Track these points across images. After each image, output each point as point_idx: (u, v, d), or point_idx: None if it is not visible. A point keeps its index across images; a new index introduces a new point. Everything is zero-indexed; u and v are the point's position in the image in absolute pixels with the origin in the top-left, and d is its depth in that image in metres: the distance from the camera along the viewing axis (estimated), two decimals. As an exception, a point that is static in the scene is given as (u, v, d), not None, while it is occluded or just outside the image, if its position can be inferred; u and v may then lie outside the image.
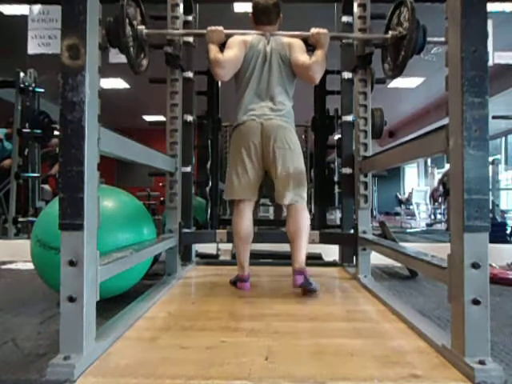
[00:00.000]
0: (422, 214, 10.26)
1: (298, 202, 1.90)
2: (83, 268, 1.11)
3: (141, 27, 2.02)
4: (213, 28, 1.98)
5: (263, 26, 2.02)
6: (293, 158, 1.90)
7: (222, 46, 2.00)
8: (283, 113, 1.93)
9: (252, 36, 1.99)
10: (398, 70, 2.02)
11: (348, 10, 2.52)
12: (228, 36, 2.01)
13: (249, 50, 1.95)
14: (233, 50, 1.93)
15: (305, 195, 1.94)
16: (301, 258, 1.86)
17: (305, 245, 1.89)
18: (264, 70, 1.95)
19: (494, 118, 4.64)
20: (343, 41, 2.56)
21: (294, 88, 2.03)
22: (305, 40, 2.04)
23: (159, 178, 3.36)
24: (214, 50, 1.92)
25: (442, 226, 7.71)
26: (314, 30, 1.96)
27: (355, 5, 2.39)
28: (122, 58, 3.28)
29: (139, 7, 2.05)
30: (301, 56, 1.93)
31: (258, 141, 1.89)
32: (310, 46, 2.03)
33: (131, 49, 1.93)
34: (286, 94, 1.97)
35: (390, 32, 2.05)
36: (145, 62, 2.12)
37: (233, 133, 2.02)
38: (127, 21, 1.87)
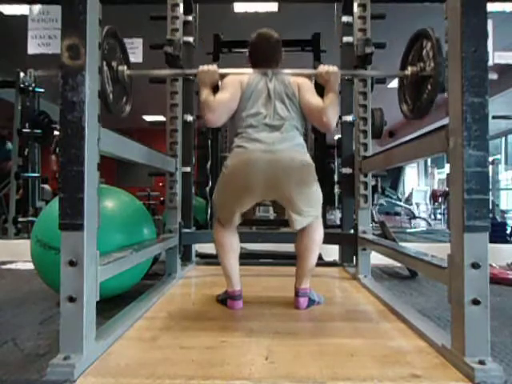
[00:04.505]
0: (422, 214, 10.25)
1: (316, 219, 1.69)
2: (83, 268, 1.11)
3: (122, 68, 1.73)
4: (205, 68, 1.72)
5: (263, 68, 1.76)
6: (311, 193, 1.64)
7: (217, 88, 1.75)
8: (296, 143, 1.64)
9: (249, 75, 1.73)
10: (419, 113, 1.72)
11: (348, 10, 2.52)
12: (223, 76, 1.75)
13: (246, 89, 1.68)
14: (226, 92, 1.68)
15: (320, 210, 1.71)
16: (307, 278, 1.70)
17: (314, 262, 1.70)
18: (269, 108, 1.66)
19: (493, 118, 4.64)
20: (343, 41, 2.56)
21: (304, 127, 1.75)
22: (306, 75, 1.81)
23: (159, 178, 3.37)
24: (205, 92, 1.67)
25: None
26: (322, 69, 1.69)
27: (355, 5, 2.39)
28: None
29: (120, 44, 1.75)
30: (313, 99, 1.68)
31: (265, 178, 1.56)
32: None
33: (110, 95, 1.63)
34: (298, 131, 1.69)
35: (410, 68, 1.76)
36: (127, 108, 1.84)
37: (230, 154, 1.67)
38: (104, 62, 1.54)
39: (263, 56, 1.79)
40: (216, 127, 1.78)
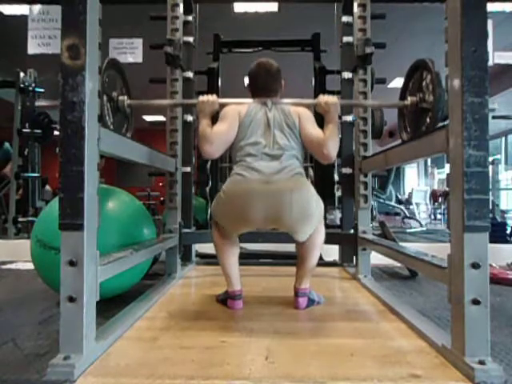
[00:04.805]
0: (422, 214, 10.25)
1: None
2: (83, 268, 1.12)
3: (122, 98, 1.77)
4: (204, 99, 1.71)
5: (262, 97, 1.75)
6: (312, 215, 1.58)
7: (217, 115, 1.76)
8: (295, 172, 1.60)
9: (248, 105, 1.72)
10: None
11: (348, 10, 2.52)
12: (222, 106, 1.75)
13: (245, 118, 1.67)
14: (224, 124, 1.67)
15: (322, 215, 1.68)
16: (307, 279, 1.70)
17: (315, 263, 1.70)
18: (268, 137, 1.65)
19: (494, 118, 4.63)
20: (343, 41, 2.56)
21: (303, 157, 1.74)
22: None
23: (159, 178, 3.36)
24: (204, 123, 1.66)
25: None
26: (322, 99, 1.70)
27: (355, 5, 2.40)
28: (123, 58, 3.28)
29: (121, 74, 1.78)
30: (313, 130, 1.68)
31: (264, 211, 1.53)
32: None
33: (110, 126, 1.67)
34: (297, 160, 1.67)
35: (409, 98, 1.79)
36: (128, 135, 1.88)
37: (229, 179, 1.63)
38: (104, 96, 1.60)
39: (263, 86, 1.78)
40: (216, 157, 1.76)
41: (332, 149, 1.62)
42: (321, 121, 1.71)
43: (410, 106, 1.79)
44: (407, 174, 15.54)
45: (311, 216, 1.58)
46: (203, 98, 1.73)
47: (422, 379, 1.05)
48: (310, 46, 3.56)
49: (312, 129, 1.69)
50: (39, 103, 4.45)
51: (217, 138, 1.65)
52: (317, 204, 1.60)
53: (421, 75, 1.73)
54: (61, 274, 1.12)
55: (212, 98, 1.73)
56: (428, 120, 1.65)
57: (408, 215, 7.96)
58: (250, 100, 1.77)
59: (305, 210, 1.56)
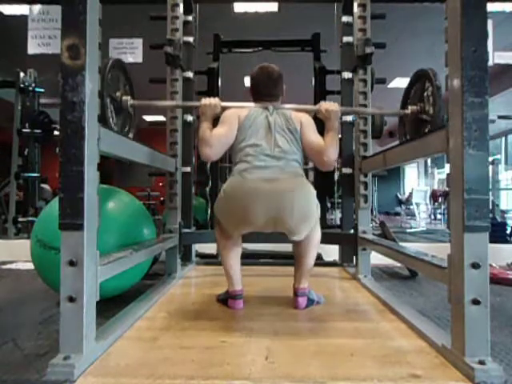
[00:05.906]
0: (422, 214, 10.26)
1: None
2: (83, 268, 1.12)
3: (126, 98, 1.80)
4: (207, 102, 1.71)
5: (264, 102, 1.75)
6: (312, 218, 1.59)
7: (218, 118, 1.77)
8: (296, 172, 1.60)
9: (249, 108, 1.72)
10: None
11: (348, 10, 2.53)
12: (224, 109, 1.75)
13: (245, 121, 1.66)
14: (224, 126, 1.68)
15: (319, 215, 1.68)
16: (306, 278, 1.70)
17: (313, 262, 1.70)
18: (269, 141, 1.64)
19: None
20: (343, 41, 2.56)
21: (303, 161, 1.72)
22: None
23: (159, 178, 3.36)
24: (204, 126, 1.67)
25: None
26: (323, 106, 1.71)
27: (355, 5, 2.39)
28: (123, 58, 3.29)
29: (125, 75, 1.80)
30: (314, 137, 1.69)
31: (265, 211, 1.51)
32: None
33: (113, 125, 1.69)
34: (298, 164, 1.66)
35: (410, 107, 1.81)
36: (130, 135, 1.91)
37: (229, 178, 1.62)
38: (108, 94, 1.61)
39: (264, 91, 1.77)
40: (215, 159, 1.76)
41: (332, 156, 1.64)
42: (321, 127, 1.72)
43: (411, 115, 1.82)
44: (407, 173, 15.54)
45: (312, 217, 1.59)
46: (205, 100, 1.72)
47: (422, 379, 1.05)
48: (310, 46, 3.55)
49: (313, 136, 1.70)
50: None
51: (216, 140, 1.65)
52: (317, 205, 1.61)
53: (423, 85, 1.75)
54: (61, 274, 1.12)
55: (214, 101, 1.73)
56: (427, 130, 1.70)
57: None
58: (251, 104, 1.77)
59: (306, 210, 1.56)
